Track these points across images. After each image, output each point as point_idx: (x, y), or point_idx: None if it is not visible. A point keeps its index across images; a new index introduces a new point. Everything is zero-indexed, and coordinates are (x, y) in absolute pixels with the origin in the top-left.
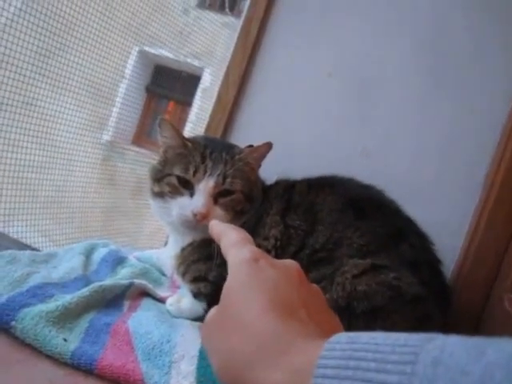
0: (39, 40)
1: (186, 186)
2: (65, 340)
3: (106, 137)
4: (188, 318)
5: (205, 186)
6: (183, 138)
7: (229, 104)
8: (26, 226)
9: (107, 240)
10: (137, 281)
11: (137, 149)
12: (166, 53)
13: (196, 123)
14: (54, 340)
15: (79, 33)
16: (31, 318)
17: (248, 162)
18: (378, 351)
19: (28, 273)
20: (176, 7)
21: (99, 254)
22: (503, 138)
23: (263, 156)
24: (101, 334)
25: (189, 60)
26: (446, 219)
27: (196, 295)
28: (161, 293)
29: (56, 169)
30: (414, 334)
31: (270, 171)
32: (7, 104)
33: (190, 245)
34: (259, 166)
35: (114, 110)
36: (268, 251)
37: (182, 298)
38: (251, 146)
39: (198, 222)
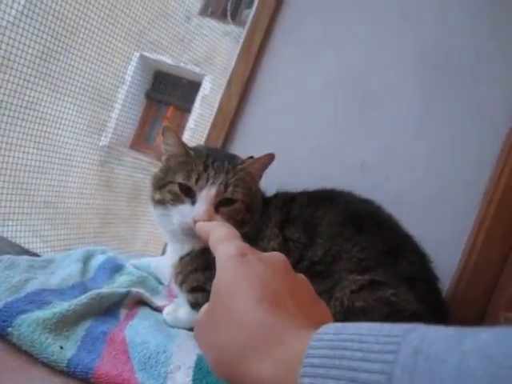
0: (40, 43)
1: (188, 193)
2: (61, 348)
3: (105, 141)
4: (185, 328)
5: (206, 194)
6: (186, 146)
7: (230, 114)
8: (23, 229)
9: (105, 247)
10: (134, 289)
11: (134, 154)
12: (166, 59)
13: (195, 130)
14: (51, 347)
15: (81, 37)
16: (28, 325)
17: (250, 172)
18: (362, 341)
19: (26, 279)
20: (178, 14)
21: (97, 261)
22: (502, 156)
23: (265, 167)
24: (97, 343)
25: (189, 67)
26: (443, 235)
27: (193, 305)
28: (158, 302)
29: (53, 172)
30: (397, 324)
31: (269, 183)
32: (5, 108)
33: (189, 254)
34: (260, 176)
35: (113, 114)
36: None
37: (179, 308)
38: (252, 157)
39: None
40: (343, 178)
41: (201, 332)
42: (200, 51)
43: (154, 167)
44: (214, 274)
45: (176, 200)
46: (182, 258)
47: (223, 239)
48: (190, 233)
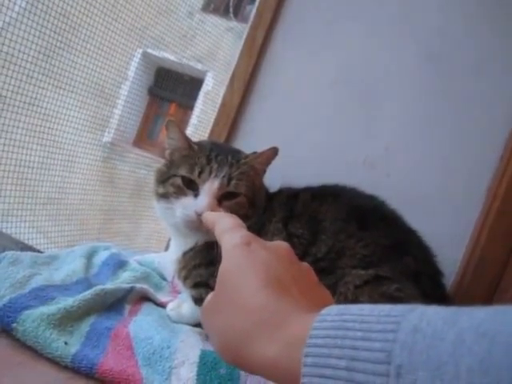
0: (43, 40)
1: (191, 186)
2: (66, 343)
3: (107, 138)
4: (188, 324)
5: (209, 187)
6: (189, 140)
7: (233, 110)
8: (25, 225)
9: (108, 243)
10: (138, 285)
11: (137, 150)
12: (169, 55)
13: (197, 126)
14: (55, 343)
15: (83, 33)
16: (32, 321)
17: (253, 166)
18: (364, 321)
19: (30, 275)
20: (181, 10)
21: (100, 257)
22: (506, 152)
23: (269, 161)
24: (102, 338)
25: (192, 63)
26: (447, 231)
27: (197, 301)
28: (161, 297)
29: (56, 169)
30: (397, 305)
31: (272, 179)
32: (8, 104)
33: (192, 249)
34: (264, 171)
35: (116, 111)
36: None
37: (182, 304)
38: (255, 152)
39: (202, 222)
40: (346, 174)
41: (207, 317)
42: (202, 47)
43: (157, 163)
44: (218, 270)
45: (179, 193)
46: (185, 253)
47: (228, 229)
48: (193, 226)
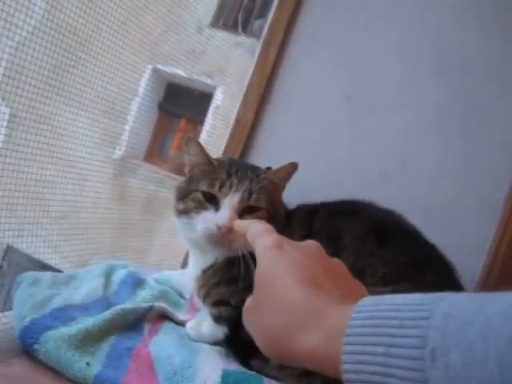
0: (54, 58)
1: (212, 201)
2: (87, 364)
3: (118, 153)
4: (208, 343)
5: (230, 201)
6: (209, 156)
7: (247, 126)
8: (37, 239)
9: (125, 261)
10: (157, 304)
11: (148, 166)
12: (179, 71)
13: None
14: (77, 364)
15: (94, 50)
16: (54, 341)
17: (273, 181)
18: (398, 310)
19: (50, 295)
20: (190, 26)
21: (118, 276)
22: None
23: (289, 176)
24: (123, 358)
25: (201, 78)
26: (464, 243)
27: (217, 319)
28: (180, 316)
29: (68, 185)
30: (428, 294)
31: (287, 194)
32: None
33: (211, 267)
34: (283, 188)
35: (127, 126)
36: None
37: (202, 322)
38: (269, 168)
39: (223, 235)
40: (361, 188)
41: (249, 317)
42: (212, 62)
43: (168, 178)
44: (238, 288)
45: (200, 207)
46: (204, 271)
47: (260, 233)
48: (214, 239)
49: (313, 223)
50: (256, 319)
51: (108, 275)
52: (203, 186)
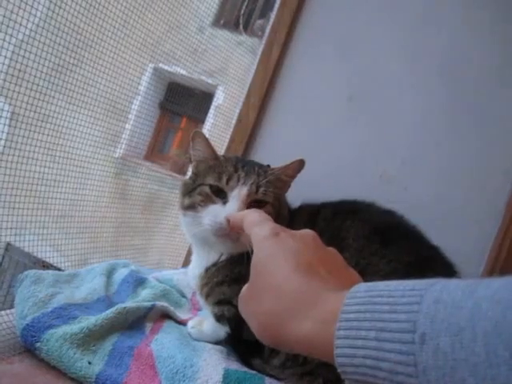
0: (55, 56)
1: (219, 194)
2: (89, 363)
3: (119, 152)
4: (209, 342)
5: (238, 194)
6: (215, 151)
7: (249, 126)
8: (38, 239)
9: (126, 260)
10: (158, 303)
11: (149, 165)
12: (180, 70)
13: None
14: (79, 363)
15: (96, 49)
16: (56, 340)
17: (280, 177)
18: (390, 296)
19: (52, 293)
20: (192, 25)
21: (120, 275)
22: None
23: (295, 173)
24: (125, 357)
25: (203, 77)
26: (465, 245)
27: (219, 318)
28: (181, 315)
29: (69, 182)
30: (421, 280)
31: (289, 194)
32: (21, 121)
33: (215, 265)
34: (289, 186)
35: (128, 125)
36: None
37: (203, 321)
38: (268, 166)
39: (231, 228)
40: (363, 189)
41: (245, 305)
42: (213, 62)
43: (169, 177)
44: (241, 288)
45: (207, 201)
46: (207, 269)
47: (256, 222)
48: (222, 233)
49: (316, 223)
50: (252, 306)
51: (110, 274)
52: (210, 180)
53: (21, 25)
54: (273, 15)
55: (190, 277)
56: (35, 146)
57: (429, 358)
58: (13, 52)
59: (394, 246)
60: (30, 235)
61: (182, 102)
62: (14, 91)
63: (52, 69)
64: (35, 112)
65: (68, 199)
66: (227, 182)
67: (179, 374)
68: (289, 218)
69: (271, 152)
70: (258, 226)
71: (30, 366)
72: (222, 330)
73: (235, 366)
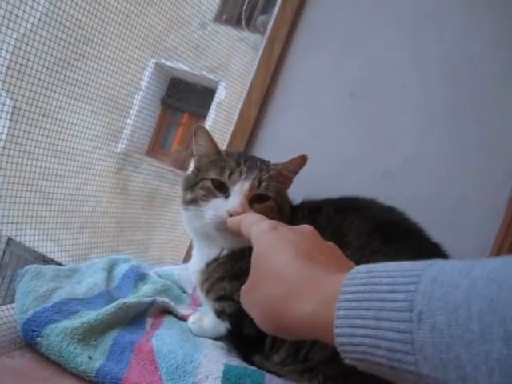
0: (57, 51)
1: (221, 189)
2: (90, 358)
3: (121, 147)
4: (210, 338)
5: (240, 188)
6: (218, 145)
7: (251, 122)
8: (39, 234)
9: (127, 255)
10: (159, 298)
11: (150, 160)
12: (182, 66)
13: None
14: (79, 357)
15: (97, 44)
16: (56, 335)
17: (282, 172)
18: (389, 276)
19: (53, 288)
20: (194, 21)
21: (121, 270)
22: None
23: (297, 169)
24: (125, 352)
25: (204, 73)
26: (466, 243)
27: (219, 314)
28: (182, 310)
29: (70, 177)
30: (419, 261)
31: (290, 191)
32: (23, 116)
33: (216, 260)
34: (291, 182)
35: (129, 121)
36: None
37: (204, 317)
38: (268, 161)
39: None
40: (364, 186)
41: (247, 296)
42: (215, 57)
43: (170, 173)
44: (242, 284)
45: (209, 195)
46: (208, 265)
47: (254, 221)
48: (224, 226)
49: (317, 219)
50: (254, 296)
51: (110, 269)
52: (212, 174)
53: (22, 19)
54: (275, 11)
55: (190, 272)
56: (37, 140)
57: (425, 336)
58: (14, 47)
59: (395, 243)
60: (31, 230)
61: (183, 98)
62: (15, 86)
63: (54, 63)
64: (37, 107)
65: (69, 194)
66: (229, 177)
67: (180, 370)
68: (290, 214)
69: (273, 148)
70: (256, 225)
71: (30, 360)
72: (223, 326)
73: (236, 361)
